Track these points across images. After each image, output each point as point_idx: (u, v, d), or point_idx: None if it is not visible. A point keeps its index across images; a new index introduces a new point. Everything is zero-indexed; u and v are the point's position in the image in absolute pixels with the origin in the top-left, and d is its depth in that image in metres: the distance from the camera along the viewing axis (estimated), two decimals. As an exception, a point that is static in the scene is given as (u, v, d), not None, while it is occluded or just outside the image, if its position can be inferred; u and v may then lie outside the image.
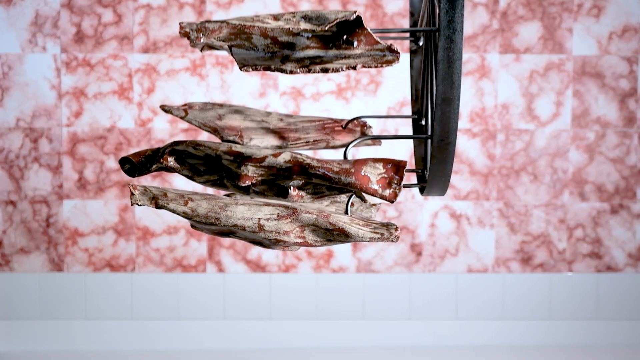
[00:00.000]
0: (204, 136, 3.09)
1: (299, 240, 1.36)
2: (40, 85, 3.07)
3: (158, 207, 1.36)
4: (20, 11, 3.05)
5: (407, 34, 1.82)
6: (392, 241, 1.34)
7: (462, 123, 3.09)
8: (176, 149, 1.35)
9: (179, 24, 1.43)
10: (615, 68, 3.07)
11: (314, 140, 1.65)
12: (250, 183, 1.34)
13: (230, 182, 1.35)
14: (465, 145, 3.09)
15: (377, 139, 1.45)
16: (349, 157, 3.04)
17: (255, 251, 3.12)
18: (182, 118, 1.64)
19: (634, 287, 3.13)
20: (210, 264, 3.13)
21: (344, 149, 1.87)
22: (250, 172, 1.33)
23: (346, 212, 1.41)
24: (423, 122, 1.71)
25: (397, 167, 1.31)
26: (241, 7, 3.05)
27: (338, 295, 3.14)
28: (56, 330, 3.13)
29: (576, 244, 3.12)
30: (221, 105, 1.67)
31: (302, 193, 1.34)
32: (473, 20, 3.06)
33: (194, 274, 3.13)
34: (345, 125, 1.65)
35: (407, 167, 3.12)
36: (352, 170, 1.30)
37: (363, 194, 1.33)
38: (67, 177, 3.10)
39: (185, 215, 1.36)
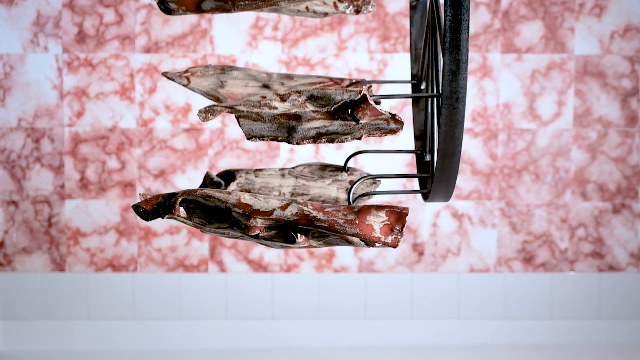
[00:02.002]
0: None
1: (304, 245, 1.44)
2: (42, 85, 3.07)
3: (169, 217, 1.44)
4: (22, 11, 3.05)
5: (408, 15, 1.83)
6: (393, 247, 1.41)
7: (464, 123, 3.09)
8: (187, 199, 1.43)
9: None
10: (617, 67, 3.07)
11: None
12: (258, 232, 1.42)
13: (240, 231, 1.43)
14: (467, 145, 3.09)
15: (378, 177, 1.52)
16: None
17: (257, 251, 3.13)
18: (184, 86, 1.70)
19: (636, 286, 3.13)
20: (212, 264, 3.13)
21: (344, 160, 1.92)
22: (259, 224, 1.40)
23: (349, 202, 1.46)
24: (423, 87, 1.74)
25: (399, 215, 1.39)
26: (243, 6, 3.04)
27: (340, 294, 3.14)
28: (58, 330, 3.14)
29: (578, 244, 3.12)
30: (222, 69, 1.71)
31: (309, 237, 1.42)
32: (475, 19, 3.06)
33: (195, 274, 3.13)
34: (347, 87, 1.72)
35: (407, 158, 3.12)
36: (357, 222, 1.38)
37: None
38: (68, 177, 3.10)
39: (195, 226, 1.43)
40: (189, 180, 3.09)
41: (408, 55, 3.07)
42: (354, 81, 1.73)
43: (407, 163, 3.10)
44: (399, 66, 3.07)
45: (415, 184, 3.13)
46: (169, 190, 3.08)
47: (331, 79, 1.75)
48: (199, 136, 3.09)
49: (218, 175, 1.80)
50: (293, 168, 1.72)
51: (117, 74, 3.07)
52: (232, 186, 1.78)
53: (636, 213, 3.11)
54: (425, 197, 1.51)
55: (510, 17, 3.06)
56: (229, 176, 1.79)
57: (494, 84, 3.08)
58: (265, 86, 1.73)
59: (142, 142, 3.09)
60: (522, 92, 3.08)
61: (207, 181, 1.79)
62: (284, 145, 3.09)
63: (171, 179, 3.09)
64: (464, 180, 3.10)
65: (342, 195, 1.82)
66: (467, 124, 3.09)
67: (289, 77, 1.74)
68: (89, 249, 3.12)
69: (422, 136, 1.75)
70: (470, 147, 3.09)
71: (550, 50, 3.07)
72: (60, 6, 3.05)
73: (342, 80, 1.74)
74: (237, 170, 1.76)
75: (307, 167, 1.74)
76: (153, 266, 3.13)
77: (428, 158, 1.62)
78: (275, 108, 1.39)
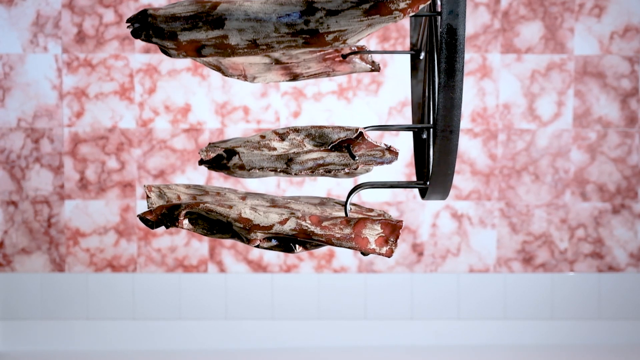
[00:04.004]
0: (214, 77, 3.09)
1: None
2: (41, 85, 3.07)
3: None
4: (22, 11, 3.05)
5: (410, 17, 1.83)
6: (387, 257, 1.48)
7: (464, 123, 3.09)
8: (190, 211, 1.49)
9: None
10: (616, 68, 3.07)
11: (315, 74, 1.76)
12: (259, 243, 1.49)
13: (241, 241, 1.51)
14: (467, 145, 3.09)
15: (373, 188, 1.57)
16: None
17: (256, 251, 3.13)
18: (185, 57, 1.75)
19: (636, 286, 3.13)
20: (211, 264, 3.13)
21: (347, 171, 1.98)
22: (259, 237, 1.47)
23: (345, 213, 1.50)
24: (422, 56, 1.76)
25: (394, 227, 1.45)
26: (242, 7, 3.04)
27: (340, 295, 3.14)
28: (58, 330, 3.13)
29: (578, 244, 3.12)
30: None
31: (307, 246, 1.49)
32: (474, 20, 3.06)
33: (195, 274, 3.13)
34: (346, 56, 1.77)
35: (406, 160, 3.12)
36: (353, 236, 1.44)
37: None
38: (68, 177, 3.10)
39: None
40: (188, 180, 3.09)
41: (408, 55, 3.07)
42: (355, 49, 1.78)
43: (406, 163, 3.10)
44: (399, 66, 3.07)
45: (413, 178, 3.13)
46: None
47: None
48: (198, 136, 3.09)
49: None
50: None
51: (116, 74, 3.07)
52: (234, 159, 1.83)
53: (636, 213, 3.11)
54: (423, 195, 1.54)
55: (510, 18, 3.06)
56: (230, 150, 1.82)
57: (493, 84, 3.08)
58: (266, 55, 1.77)
59: (142, 142, 3.09)
60: (521, 92, 3.08)
61: None
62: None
63: (171, 179, 3.09)
64: (463, 181, 3.10)
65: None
66: (467, 124, 3.09)
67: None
68: (89, 249, 3.12)
69: (420, 111, 1.77)
70: (470, 147, 3.09)
71: (550, 50, 3.07)
72: (59, 6, 3.05)
73: (342, 48, 1.79)
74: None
75: None
76: (153, 266, 3.13)
77: (425, 136, 1.65)
78: (275, 149, 1.45)
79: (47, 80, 3.07)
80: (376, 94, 3.09)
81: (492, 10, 3.05)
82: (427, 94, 1.62)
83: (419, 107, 1.79)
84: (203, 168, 3.09)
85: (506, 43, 3.07)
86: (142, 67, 3.07)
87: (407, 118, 3.08)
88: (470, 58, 3.08)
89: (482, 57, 3.07)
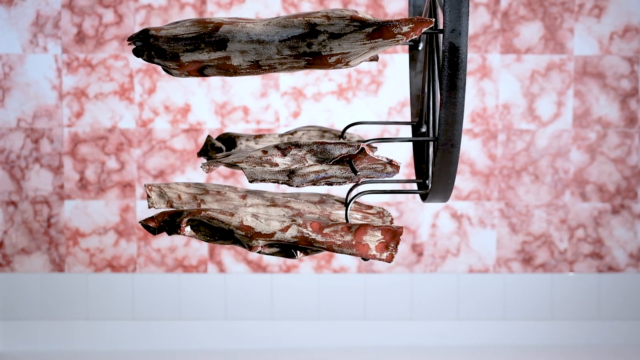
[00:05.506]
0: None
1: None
2: (41, 85, 3.07)
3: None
4: (22, 11, 3.05)
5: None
6: (388, 262, 1.50)
7: (464, 123, 3.09)
8: (192, 219, 1.51)
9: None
10: (616, 68, 3.07)
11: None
12: (260, 249, 1.51)
13: (243, 248, 1.54)
14: (467, 146, 3.09)
15: (373, 193, 1.59)
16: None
17: (256, 251, 3.13)
18: None
19: (636, 287, 3.13)
20: (211, 264, 3.13)
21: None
22: (261, 244, 1.49)
23: (346, 219, 1.52)
24: (421, 47, 1.76)
25: (394, 233, 1.46)
26: (242, 7, 3.04)
27: (339, 295, 3.14)
28: (57, 330, 3.14)
29: (577, 244, 3.12)
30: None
31: (308, 252, 1.51)
32: (474, 20, 3.06)
33: (195, 274, 3.13)
34: None
35: (406, 167, 3.12)
36: (354, 242, 1.46)
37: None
38: (68, 177, 3.10)
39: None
40: (188, 180, 3.09)
41: (407, 55, 3.07)
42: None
43: (406, 163, 3.10)
44: (398, 66, 3.07)
45: (412, 178, 3.13)
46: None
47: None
48: (198, 136, 3.09)
49: (219, 139, 1.82)
50: (292, 134, 1.75)
51: (116, 74, 3.07)
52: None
53: (635, 214, 3.11)
54: (424, 198, 1.55)
55: (510, 18, 3.06)
56: (230, 142, 1.82)
57: (493, 84, 3.08)
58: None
59: (142, 142, 3.09)
60: (521, 92, 3.08)
61: (209, 145, 1.82)
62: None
63: (170, 180, 3.09)
64: (463, 181, 3.10)
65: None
66: (467, 124, 3.09)
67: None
68: (89, 249, 3.12)
69: (419, 103, 1.77)
70: (470, 147, 3.10)
71: (550, 50, 3.07)
72: (59, 6, 3.05)
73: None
74: (238, 137, 1.80)
75: (306, 132, 1.78)
76: (152, 267, 3.13)
77: (424, 129, 1.66)
78: (277, 165, 1.46)
79: (47, 81, 3.07)
80: (376, 94, 3.09)
81: (491, 10, 3.05)
82: (426, 88, 1.62)
83: (418, 100, 1.80)
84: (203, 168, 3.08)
85: (506, 43, 3.07)
86: (142, 67, 3.07)
87: (406, 118, 3.08)
88: (470, 58, 3.08)
89: (482, 57, 3.07)
